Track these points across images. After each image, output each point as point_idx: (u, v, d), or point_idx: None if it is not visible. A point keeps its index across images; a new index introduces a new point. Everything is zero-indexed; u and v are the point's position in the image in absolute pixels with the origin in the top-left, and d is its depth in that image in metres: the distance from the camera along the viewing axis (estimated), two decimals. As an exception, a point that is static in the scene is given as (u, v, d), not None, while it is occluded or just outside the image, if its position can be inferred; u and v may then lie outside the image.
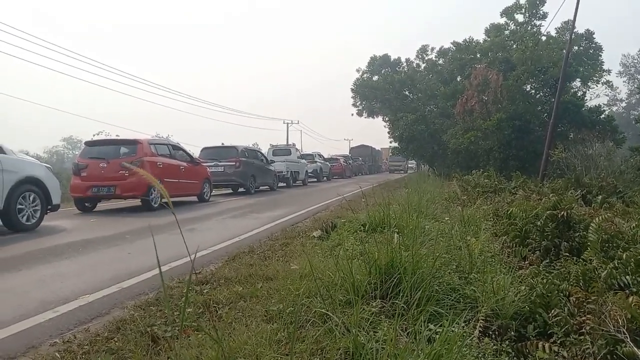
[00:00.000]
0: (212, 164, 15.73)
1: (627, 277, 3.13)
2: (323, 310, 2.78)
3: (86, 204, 11.09)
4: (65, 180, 13.23)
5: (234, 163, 16.26)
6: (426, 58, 33.89)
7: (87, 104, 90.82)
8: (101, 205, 11.85)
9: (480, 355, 2.32)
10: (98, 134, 21.33)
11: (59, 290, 4.14)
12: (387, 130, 35.06)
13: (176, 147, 13.13)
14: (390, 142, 37.23)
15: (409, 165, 55.05)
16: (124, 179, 10.32)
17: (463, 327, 2.50)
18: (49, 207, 8.23)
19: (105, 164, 10.69)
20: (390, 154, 53.31)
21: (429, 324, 2.58)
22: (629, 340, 2.34)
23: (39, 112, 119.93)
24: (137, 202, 11.58)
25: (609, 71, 26.42)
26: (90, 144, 11.98)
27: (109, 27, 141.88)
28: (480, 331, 2.64)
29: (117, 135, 14.13)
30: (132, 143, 11.31)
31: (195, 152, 16.74)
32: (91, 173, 10.68)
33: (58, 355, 2.66)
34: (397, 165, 54.34)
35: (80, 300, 3.80)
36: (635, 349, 2.28)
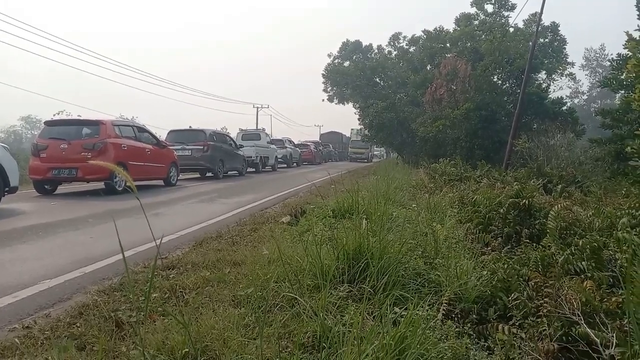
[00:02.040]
0: (180, 147, 15.45)
1: (583, 262, 3.27)
2: (291, 295, 2.79)
3: (46, 187, 10.71)
4: (23, 161, 12.72)
5: (202, 147, 16.01)
6: (398, 45, 34.03)
7: (47, 82, 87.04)
8: (62, 188, 11.46)
9: (443, 337, 2.39)
10: (59, 114, 20.58)
11: (18, 275, 4.00)
12: (358, 117, 35.26)
13: (142, 129, 12.78)
14: (360, 128, 37.10)
15: (374, 152, 50.64)
16: (86, 161, 9.98)
17: (427, 310, 2.57)
18: (7, 189, 7.91)
19: (67, 145, 10.31)
20: (352, 139, 48.57)
21: (395, 307, 2.64)
22: (582, 322, 2.46)
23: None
24: (100, 184, 11.26)
25: (572, 64, 27.23)
26: (50, 123, 11.54)
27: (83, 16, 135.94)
28: (443, 314, 2.72)
29: (78, 116, 13.60)
30: (95, 124, 10.94)
31: (162, 135, 16.37)
32: (51, 154, 10.28)
33: (17, 341, 2.58)
34: (360, 153, 45.75)
35: (40, 285, 3.69)
36: (589, 330, 2.39)
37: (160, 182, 13.13)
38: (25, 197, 9.83)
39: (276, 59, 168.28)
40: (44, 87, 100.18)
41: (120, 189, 10.50)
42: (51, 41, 47.51)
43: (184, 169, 15.59)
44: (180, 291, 3.37)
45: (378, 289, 2.80)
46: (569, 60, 26.56)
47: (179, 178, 14.16)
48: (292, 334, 2.49)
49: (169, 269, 4.03)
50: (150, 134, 13.12)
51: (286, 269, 3.18)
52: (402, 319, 2.31)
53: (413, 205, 6.66)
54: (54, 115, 19.41)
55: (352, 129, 49.88)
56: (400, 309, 2.61)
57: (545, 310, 2.69)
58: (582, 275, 3.15)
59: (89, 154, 10.15)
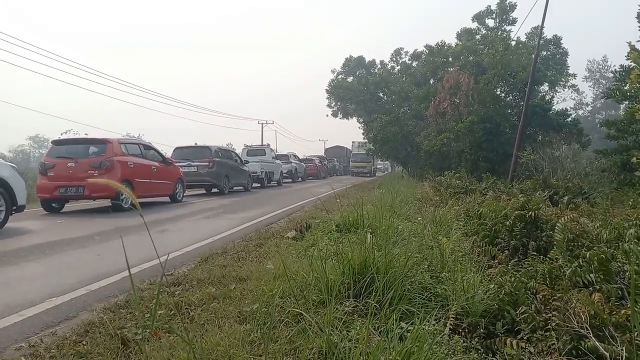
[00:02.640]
0: (185, 164, 15.54)
1: (591, 275, 3.24)
2: (297, 310, 2.78)
3: (53, 205, 10.78)
4: (31, 180, 12.83)
5: (207, 163, 16.10)
6: (400, 60, 34.27)
7: (54, 102, 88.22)
8: (69, 206, 11.53)
9: (450, 352, 2.37)
10: (66, 133, 20.89)
11: (24, 293, 4.01)
12: (362, 131, 35.34)
13: (148, 147, 12.90)
14: (365, 142, 37.07)
15: (377, 166, 49.58)
16: (90, 179, 10.04)
17: (434, 325, 2.54)
18: (14, 208, 7.95)
19: (74, 163, 10.42)
20: (353, 152, 47.21)
21: (401, 322, 2.62)
22: (591, 335, 2.43)
23: (3, 109, 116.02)
24: (107, 202, 11.32)
25: (574, 75, 27.28)
26: (57, 142, 11.65)
27: (84, 28, 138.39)
28: (450, 329, 2.69)
29: (85, 134, 13.79)
30: (102, 142, 11.05)
31: (168, 152, 16.49)
32: (59, 173, 10.39)
33: (23, 360, 2.58)
34: (362, 167, 43.93)
35: (46, 303, 3.70)
36: (598, 344, 2.36)
37: (167, 199, 13.19)
38: (33, 215, 9.89)
39: (281, 75, 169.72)
40: (51, 107, 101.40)
41: (126, 206, 10.53)
42: (58, 62, 48.19)
43: (190, 185, 15.66)
44: (186, 308, 3.36)
45: (384, 304, 2.78)
46: (571, 72, 26.67)
47: (185, 194, 14.22)
48: (298, 350, 2.47)
49: (174, 286, 4.03)
50: (156, 151, 13.22)
51: (291, 284, 3.18)
52: (409, 334, 2.30)
53: (418, 218, 6.63)
54: (61, 134, 19.69)
55: (353, 142, 49.40)
56: (406, 323, 2.60)
57: (553, 324, 2.65)
58: (591, 288, 3.11)
59: (96, 172, 10.25)
